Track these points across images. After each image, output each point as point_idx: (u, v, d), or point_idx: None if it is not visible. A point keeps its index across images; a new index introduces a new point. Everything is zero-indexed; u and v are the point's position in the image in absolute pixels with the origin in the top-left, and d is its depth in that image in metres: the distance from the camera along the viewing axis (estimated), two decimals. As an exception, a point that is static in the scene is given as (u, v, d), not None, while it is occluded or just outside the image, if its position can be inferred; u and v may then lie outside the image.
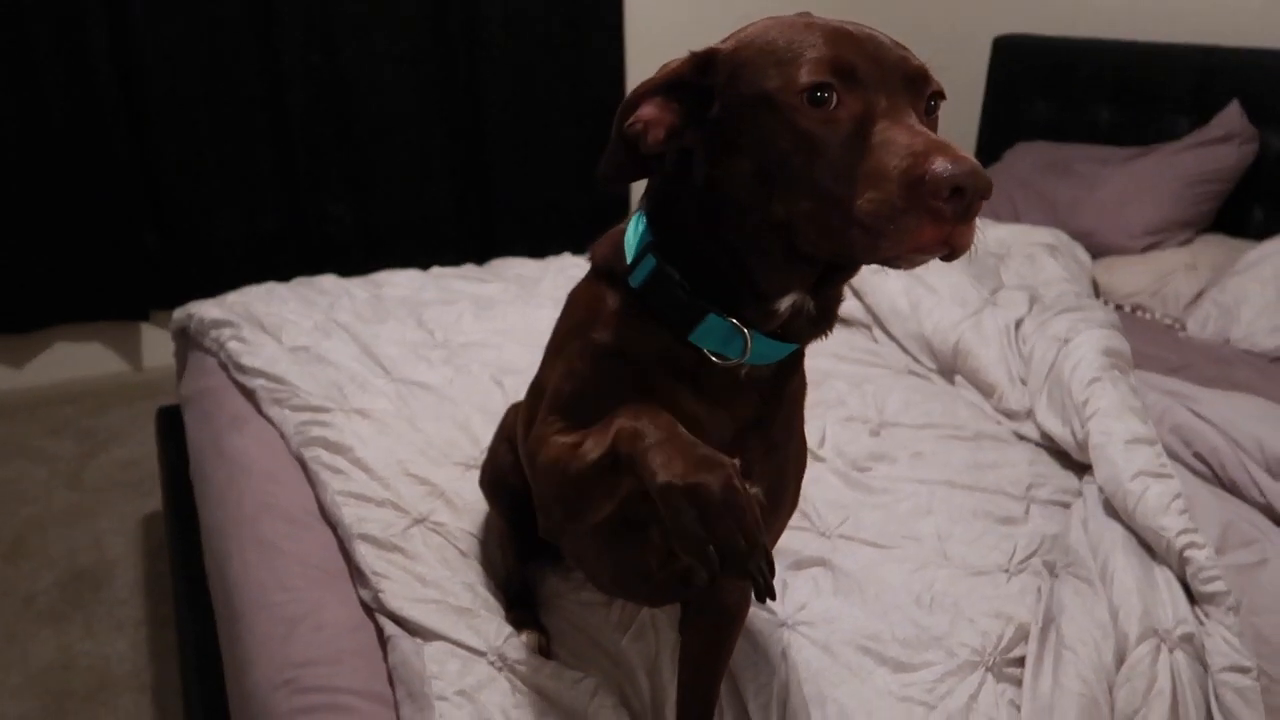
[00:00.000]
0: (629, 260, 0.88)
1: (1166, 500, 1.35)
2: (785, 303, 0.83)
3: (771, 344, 0.85)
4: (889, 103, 0.72)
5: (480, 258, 3.02)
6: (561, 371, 0.94)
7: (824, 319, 0.87)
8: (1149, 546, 1.35)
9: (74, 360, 3.08)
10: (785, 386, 0.91)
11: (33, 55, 2.65)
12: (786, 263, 0.79)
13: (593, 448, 0.84)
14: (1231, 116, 2.60)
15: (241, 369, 1.82)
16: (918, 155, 0.67)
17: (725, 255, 0.82)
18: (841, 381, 1.91)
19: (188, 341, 2.13)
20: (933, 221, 0.66)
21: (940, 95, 0.78)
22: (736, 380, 0.87)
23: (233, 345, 1.90)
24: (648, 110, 0.82)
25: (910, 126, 0.71)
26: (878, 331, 2.15)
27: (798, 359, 0.92)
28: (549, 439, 0.91)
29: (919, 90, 0.75)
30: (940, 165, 0.66)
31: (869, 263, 0.74)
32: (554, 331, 1.01)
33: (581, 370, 0.91)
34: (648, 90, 0.83)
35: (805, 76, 0.72)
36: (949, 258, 0.71)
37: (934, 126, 0.76)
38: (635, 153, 0.84)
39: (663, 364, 0.87)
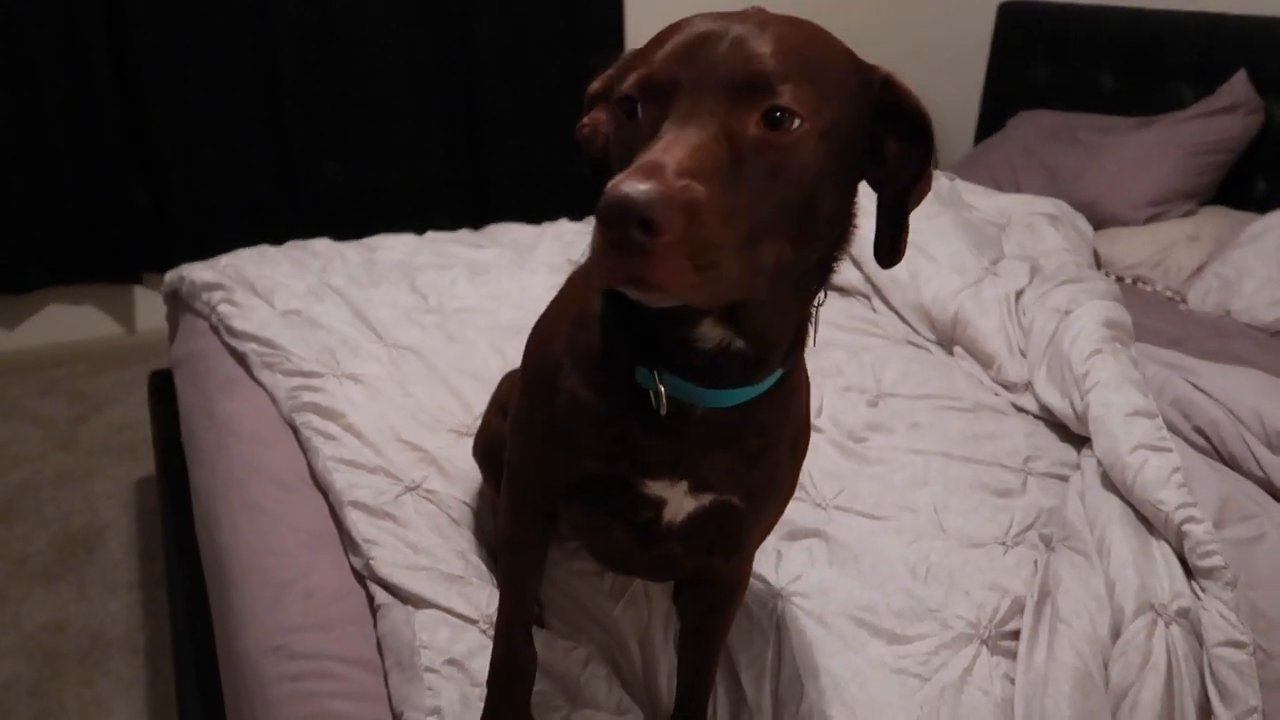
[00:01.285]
0: None
1: (1165, 473, 1.34)
2: (706, 337, 0.75)
3: (718, 393, 0.78)
4: (685, 112, 0.63)
5: (475, 222, 2.98)
6: (523, 408, 0.93)
7: (759, 362, 0.77)
8: (1147, 520, 1.34)
9: (67, 322, 3.04)
10: (756, 419, 0.83)
11: (22, 17, 2.59)
12: None
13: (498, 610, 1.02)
14: (1237, 86, 2.57)
15: (233, 332, 1.79)
16: (612, 182, 0.58)
17: None
18: (839, 351, 1.90)
19: (179, 304, 2.10)
20: (612, 249, 0.58)
21: (789, 111, 0.63)
22: (690, 417, 0.80)
23: (224, 308, 1.87)
24: (597, 113, 0.80)
25: (659, 142, 0.62)
26: (876, 301, 2.13)
27: (773, 394, 0.82)
28: (500, 515, 1.02)
29: (752, 102, 0.63)
30: (611, 183, 0.58)
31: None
32: (546, 313, 0.97)
33: (539, 423, 0.90)
34: (593, 93, 0.80)
35: (621, 89, 0.68)
36: (697, 298, 0.61)
37: (783, 142, 0.64)
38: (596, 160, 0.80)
39: (622, 398, 0.82)
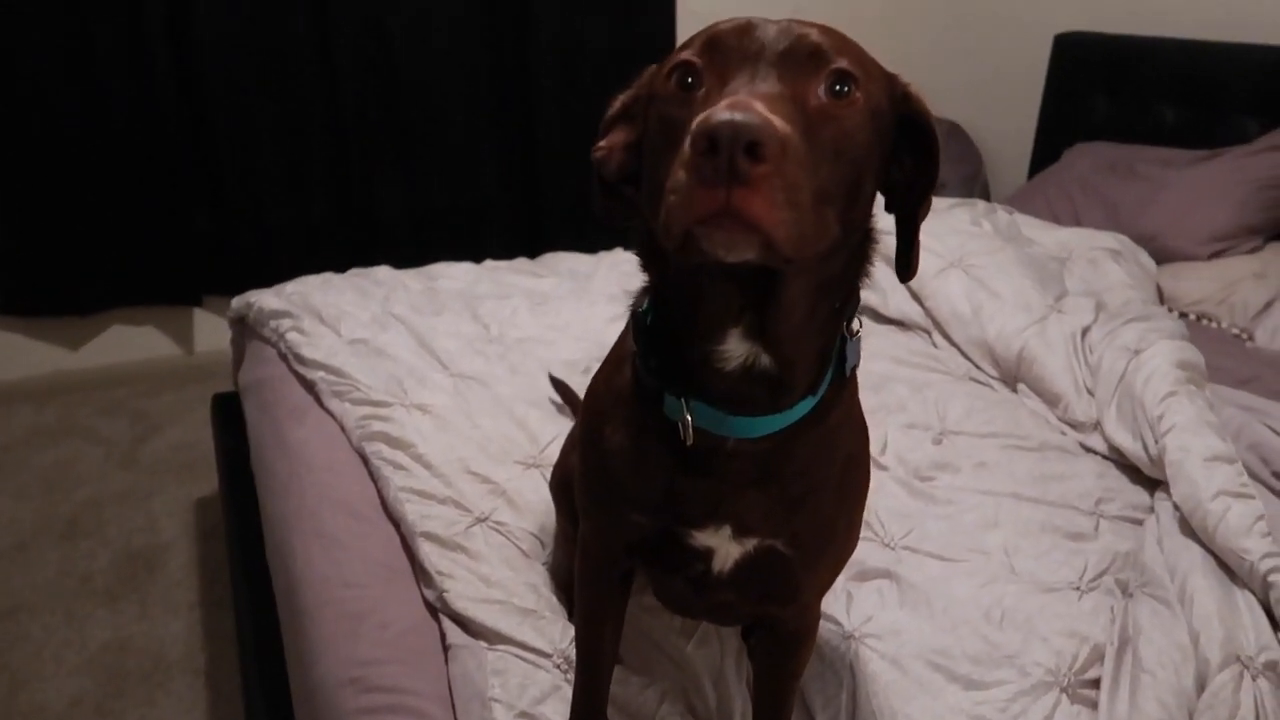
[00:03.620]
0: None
1: (1249, 521, 1.31)
2: (731, 355, 0.75)
3: (746, 421, 0.78)
4: (749, 75, 0.65)
5: (528, 247, 3.01)
6: (580, 465, 0.96)
7: (783, 384, 0.77)
8: (1229, 569, 1.31)
9: (129, 343, 3.11)
10: (792, 455, 0.82)
11: (92, 42, 2.67)
12: (692, 281, 0.73)
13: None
14: (1305, 120, 2.53)
15: (301, 360, 1.82)
16: (705, 114, 0.58)
17: (668, 293, 0.79)
18: (902, 386, 1.89)
19: (246, 330, 2.14)
20: (701, 184, 0.58)
21: (848, 76, 0.66)
22: (722, 450, 0.80)
23: (292, 336, 1.90)
24: (615, 135, 0.80)
25: (737, 89, 0.63)
26: (937, 336, 2.12)
27: (808, 430, 0.81)
28: (579, 548, 1.02)
29: (810, 68, 0.66)
30: (704, 115, 0.57)
31: (674, 248, 0.63)
32: (601, 364, 0.98)
33: (593, 470, 0.92)
34: (613, 115, 0.80)
35: (674, 59, 0.69)
36: (770, 256, 0.61)
37: (843, 112, 0.66)
38: (609, 185, 0.80)
39: (656, 432, 0.83)
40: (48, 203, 2.78)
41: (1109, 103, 3.10)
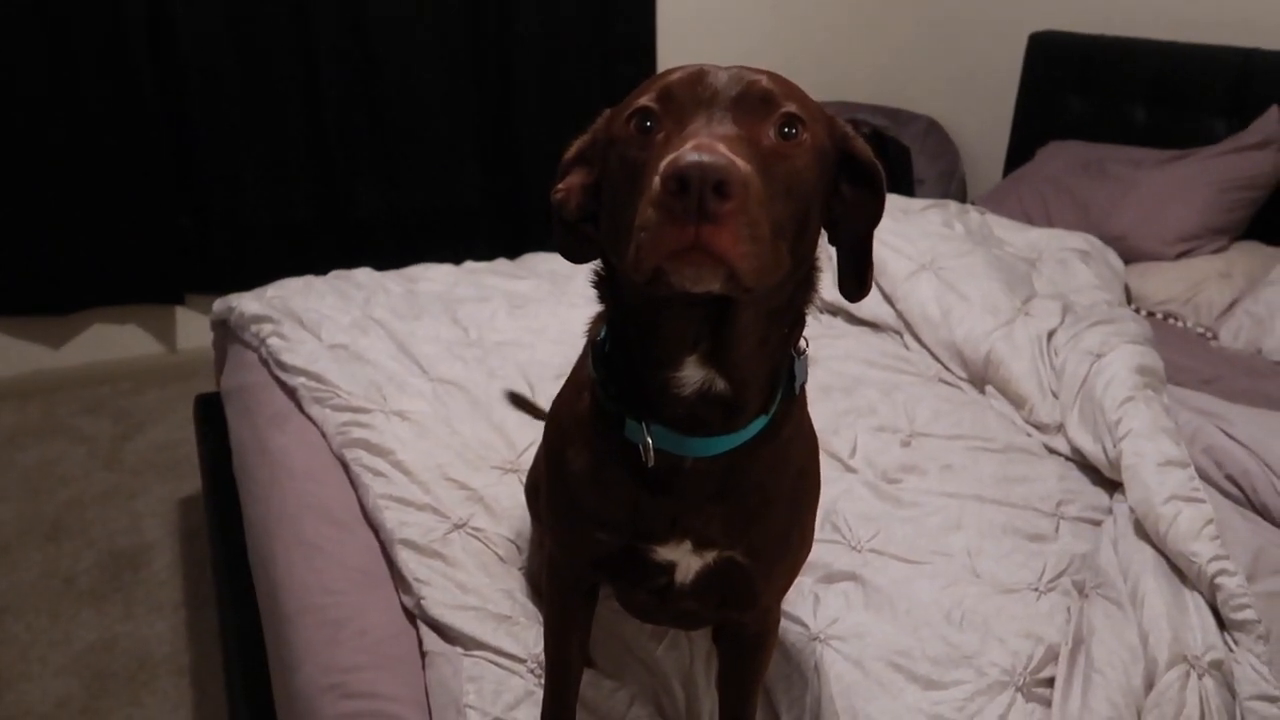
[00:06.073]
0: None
1: (1198, 525, 1.36)
2: (688, 380, 0.79)
3: (703, 442, 0.82)
4: (705, 118, 0.69)
5: (510, 247, 3.04)
6: (545, 487, 1.00)
7: (736, 406, 0.81)
8: (1180, 570, 1.36)
9: (111, 342, 3.12)
10: (748, 470, 0.86)
11: (70, 40, 2.67)
12: (651, 312, 0.77)
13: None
14: (1270, 122, 2.58)
15: (282, 366, 1.84)
16: (673, 155, 0.62)
17: (625, 324, 0.82)
18: (872, 389, 1.93)
19: (227, 333, 2.16)
20: (671, 222, 0.62)
21: (796, 119, 0.71)
22: (681, 469, 0.84)
23: (273, 342, 1.92)
24: (573, 178, 0.83)
25: (694, 137, 0.65)
26: (908, 338, 2.16)
27: (762, 446, 0.85)
28: (546, 562, 1.07)
29: (761, 112, 0.70)
30: (672, 157, 0.62)
31: (643, 281, 0.66)
32: (563, 386, 1.01)
33: (558, 492, 0.96)
34: (570, 158, 0.84)
35: (632, 104, 0.73)
36: (732, 287, 0.65)
37: (793, 152, 0.71)
38: (569, 224, 0.84)
39: (617, 454, 0.87)
40: (29, 201, 2.78)
41: (1082, 101, 3.14)
